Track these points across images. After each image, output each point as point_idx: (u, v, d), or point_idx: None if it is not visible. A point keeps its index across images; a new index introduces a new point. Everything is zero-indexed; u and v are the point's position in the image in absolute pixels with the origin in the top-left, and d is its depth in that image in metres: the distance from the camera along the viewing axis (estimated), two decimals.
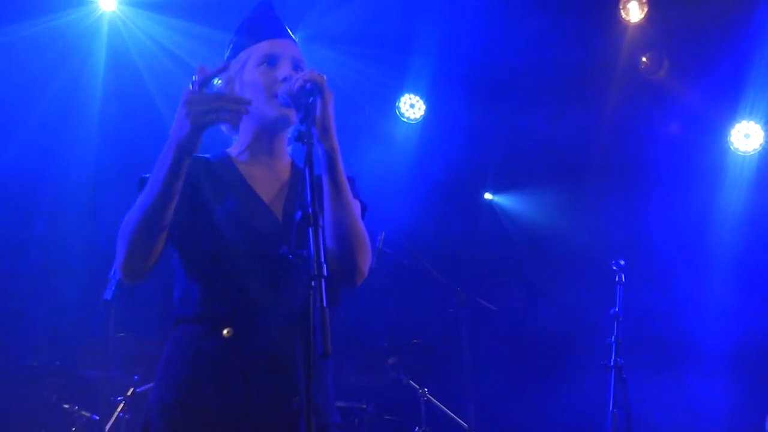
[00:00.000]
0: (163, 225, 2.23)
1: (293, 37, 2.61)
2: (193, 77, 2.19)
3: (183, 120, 2.15)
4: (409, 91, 7.15)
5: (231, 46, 2.58)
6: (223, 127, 2.60)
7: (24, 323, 6.17)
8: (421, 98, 7.16)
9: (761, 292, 6.62)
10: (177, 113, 2.17)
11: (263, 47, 2.50)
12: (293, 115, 2.42)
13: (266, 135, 2.52)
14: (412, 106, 7.19)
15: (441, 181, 7.29)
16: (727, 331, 6.62)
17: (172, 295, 2.42)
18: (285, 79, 2.41)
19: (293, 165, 2.58)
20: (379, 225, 5.77)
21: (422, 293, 6.65)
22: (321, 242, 1.99)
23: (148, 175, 2.30)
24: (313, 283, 1.95)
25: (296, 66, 2.49)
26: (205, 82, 2.20)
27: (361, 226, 2.39)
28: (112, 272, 5.08)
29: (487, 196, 7.90)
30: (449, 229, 7.36)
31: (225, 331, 2.29)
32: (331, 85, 2.31)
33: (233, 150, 2.56)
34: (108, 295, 5.02)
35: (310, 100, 2.23)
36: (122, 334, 5.65)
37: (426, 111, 7.17)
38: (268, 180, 2.50)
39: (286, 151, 2.58)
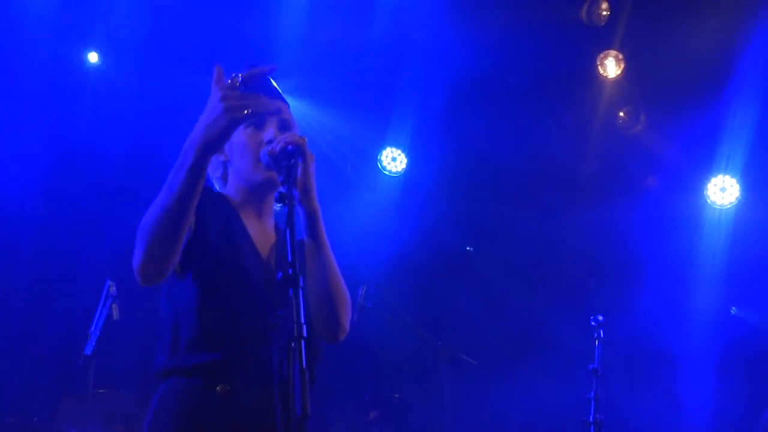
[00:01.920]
0: (184, 224, 2.19)
1: (283, 96, 2.65)
2: (234, 75, 2.18)
3: (220, 114, 2.12)
4: (390, 145, 7.22)
5: None
6: (214, 182, 2.63)
7: (2, 378, 6.11)
8: (402, 152, 7.22)
9: (741, 346, 6.67)
10: (210, 109, 2.15)
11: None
12: (277, 178, 2.44)
13: (254, 197, 2.55)
14: (393, 160, 7.24)
15: (423, 234, 7.32)
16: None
17: (161, 345, 2.40)
18: (269, 141, 2.44)
19: (277, 227, 2.61)
20: (361, 279, 5.80)
21: (403, 348, 6.64)
22: (301, 303, 2.01)
23: None
24: (293, 344, 1.97)
25: (283, 127, 2.52)
26: (244, 80, 2.19)
27: (342, 284, 2.44)
28: (93, 327, 5.06)
29: (469, 249, 7.93)
30: (431, 283, 7.37)
31: (219, 387, 2.29)
32: (313, 143, 2.35)
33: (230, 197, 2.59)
34: (88, 350, 5.00)
35: (292, 161, 2.26)
36: (102, 390, 5.61)
37: (408, 164, 7.23)
38: (262, 237, 2.53)
39: (272, 213, 2.61)
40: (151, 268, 2.21)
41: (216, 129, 2.14)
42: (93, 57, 6.13)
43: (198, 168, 2.15)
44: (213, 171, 2.61)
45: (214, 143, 2.16)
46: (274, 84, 2.66)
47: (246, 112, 2.13)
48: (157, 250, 2.18)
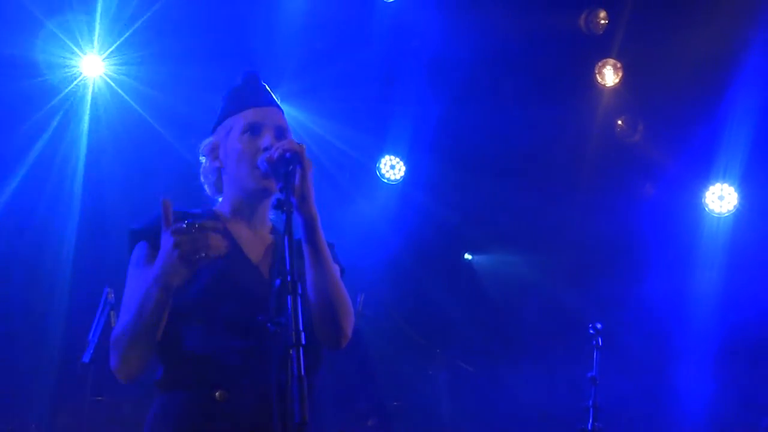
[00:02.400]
0: (153, 339, 2.29)
1: (279, 104, 2.65)
2: (187, 222, 2.21)
3: (176, 261, 2.18)
4: (389, 153, 7.23)
5: (218, 112, 2.63)
6: (207, 188, 2.63)
7: (0, 386, 6.10)
8: (401, 159, 7.23)
9: (740, 356, 6.68)
10: (167, 252, 2.19)
11: (247, 116, 2.53)
12: (273, 185, 2.44)
13: (248, 204, 2.54)
14: (392, 167, 7.25)
15: (421, 241, 7.33)
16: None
17: (157, 357, 2.41)
18: (266, 148, 2.45)
19: (273, 230, 2.61)
20: (359, 287, 5.79)
21: (402, 355, 6.64)
22: (299, 310, 2.01)
23: (136, 229, 2.39)
24: (291, 352, 1.96)
25: (279, 134, 2.52)
26: (177, 220, 2.23)
27: (342, 290, 2.42)
28: (91, 335, 5.06)
29: (467, 256, 7.94)
30: (429, 291, 7.37)
31: (217, 394, 2.30)
32: (312, 151, 2.36)
33: (219, 209, 2.59)
34: (86, 358, 4.99)
35: (290, 168, 2.26)
36: (100, 398, 5.60)
37: (406, 172, 7.23)
38: (254, 242, 2.53)
39: (267, 219, 2.61)
40: (128, 371, 2.32)
41: (175, 272, 2.20)
42: (92, 64, 6.13)
43: (163, 300, 2.23)
44: (207, 177, 2.62)
45: (177, 283, 2.22)
46: (269, 90, 2.67)
47: (200, 256, 2.18)
48: (132, 360, 2.30)
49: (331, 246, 2.50)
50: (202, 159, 2.61)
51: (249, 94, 2.60)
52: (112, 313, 5.14)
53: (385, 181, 7.26)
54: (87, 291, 5.68)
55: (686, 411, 6.72)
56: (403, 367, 6.74)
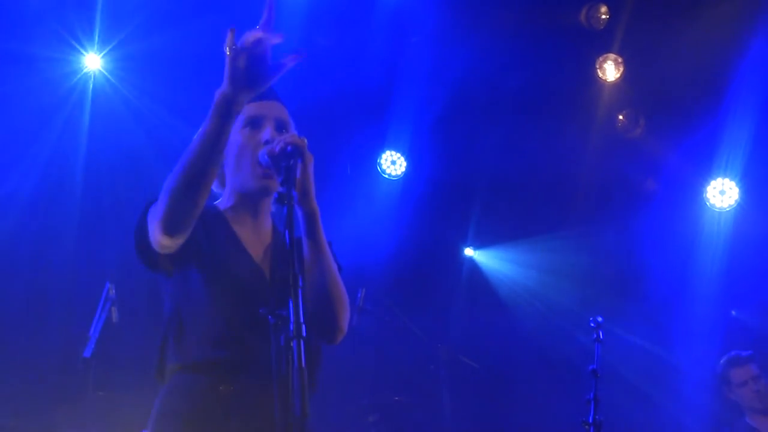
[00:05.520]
0: (208, 180, 2.22)
1: (280, 98, 2.66)
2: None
3: (239, 73, 2.16)
4: (390, 148, 7.22)
5: None
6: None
7: (1, 381, 6.10)
8: (402, 155, 7.23)
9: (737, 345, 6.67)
10: (229, 71, 2.17)
11: (248, 109, 2.53)
12: (274, 184, 2.45)
13: (250, 201, 2.56)
14: (393, 163, 7.24)
15: (422, 237, 7.33)
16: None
17: (163, 341, 2.42)
18: (266, 142, 2.45)
19: (274, 228, 2.62)
20: (360, 282, 5.80)
21: (403, 350, 6.64)
22: (300, 303, 2.02)
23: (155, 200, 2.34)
24: (292, 344, 1.97)
25: (280, 127, 2.53)
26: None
27: (340, 285, 2.45)
28: (92, 330, 5.06)
29: (468, 252, 7.93)
30: (430, 286, 7.37)
31: (222, 387, 2.32)
32: (312, 146, 2.36)
33: (221, 205, 2.60)
34: (87, 353, 4.99)
35: (291, 162, 2.27)
36: (101, 393, 5.60)
37: (407, 167, 7.23)
38: (256, 241, 2.55)
39: (268, 215, 2.62)
40: (173, 221, 2.22)
41: (238, 88, 2.17)
42: (93, 60, 6.14)
43: (224, 129, 2.18)
44: None
45: (240, 102, 2.19)
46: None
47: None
48: (180, 205, 2.20)
49: (329, 244, 2.51)
50: None
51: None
52: (113, 308, 5.15)
53: (386, 176, 7.25)
54: (88, 286, 5.69)
55: (687, 407, 6.72)
56: (405, 363, 6.74)
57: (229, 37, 2.17)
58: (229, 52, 2.16)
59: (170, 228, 2.24)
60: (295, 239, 2.13)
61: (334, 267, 2.44)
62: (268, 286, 2.43)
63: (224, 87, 2.17)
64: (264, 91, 2.61)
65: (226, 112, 2.18)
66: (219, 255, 2.42)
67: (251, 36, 2.19)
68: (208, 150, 2.19)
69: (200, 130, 2.20)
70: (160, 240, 2.27)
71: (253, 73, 2.17)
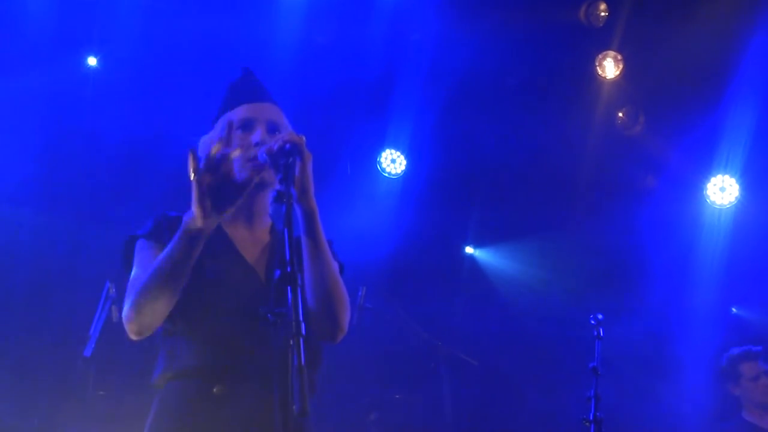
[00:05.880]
0: (172, 295, 2.29)
1: (273, 99, 2.66)
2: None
3: (205, 196, 2.21)
4: (390, 147, 7.21)
5: (217, 108, 2.64)
6: None
7: (1, 380, 6.11)
8: (402, 153, 7.22)
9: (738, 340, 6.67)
10: (195, 197, 2.23)
11: (239, 112, 2.56)
12: (268, 176, 2.45)
13: (244, 202, 2.55)
14: (393, 161, 7.24)
15: (422, 235, 7.32)
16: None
17: (160, 353, 2.44)
18: (257, 144, 2.46)
19: (272, 227, 2.62)
20: (361, 280, 5.80)
21: (404, 348, 6.64)
22: (300, 301, 2.02)
23: (138, 234, 2.41)
24: (291, 342, 1.97)
25: (271, 129, 2.54)
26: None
27: (340, 284, 2.45)
28: (92, 329, 5.06)
29: (468, 250, 7.93)
30: (430, 284, 7.37)
31: (215, 389, 2.32)
32: (311, 144, 2.36)
33: None
34: (87, 352, 5.00)
35: (290, 160, 2.27)
36: (101, 392, 5.61)
37: (407, 166, 7.22)
38: (250, 242, 2.55)
39: (266, 213, 2.62)
40: (139, 321, 2.31)
41: (205, 212, 2.22)
42: (92, 60, 6.15)
43: (192, 247, 2.25)
44: None
45: (208, 227, 2.25)
46: (263, 86, 2.67)
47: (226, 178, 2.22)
48: (146, 306, 2.28)
49: (329, 243, 2.51)
50: (202, 155, 2.62)
51: (243, 90, 2.63)
52: (113, 307, 5.15)
53: (386, 175, 7.25)
54: (88, 285, 5.69)
55: (688, 403, 6.73)
56: (405, 361, 6.74)
57: (191, 161, 2.21)
58: (194, 175, 2.20)
59: (139, 331, 2.33)
60: (294, 238, 2.13)
61: (333, 266, 2.43)
62: (263, 287, 2.43)
63: (192, 213, 2.22)
64: (257, 93, 2.63)
65: (195, 238, 2.24)
66: (210, 260, 2.43)
67: (213, 153, 2.20)
68: (174, 271, 2.26)
69: (168, 249, 2.26)
70: (132, 331, 2.36)
71: (220, 193, 2.21)
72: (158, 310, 2.29)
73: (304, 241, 2.39)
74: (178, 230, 2.25)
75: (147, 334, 2.35)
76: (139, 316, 2.29)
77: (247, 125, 2.54)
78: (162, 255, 2.27)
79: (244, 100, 2.59)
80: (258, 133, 2.50)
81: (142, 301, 2.27)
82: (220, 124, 2.58)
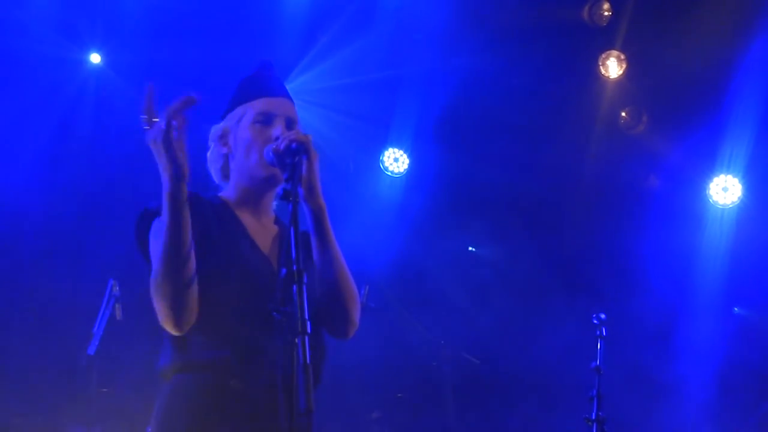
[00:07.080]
0: (188, 269, 2.22)
1: (290, 96, 2.66)
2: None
3: (161, 149, 2.20)
4: (393, 145, 7.22)
5: (230, 98, 2.63)
6: (212, 174, 2.64)
7: (5, 378, 6.12)
8: (405, 152, 7.22)
9: (740, 341, 6.68)
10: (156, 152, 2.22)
11: (259, 105, 2.54)
12: (280, 173, 2.45)
13: (255, 193, 2.56)
14: (396, 160, 7.23)
15: (425, 234, 7.32)
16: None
17: (167, 342, 2.40)
18: (276, 138, 2.45)
19: (277, 220, 2.63)
20: (364, 279, 5.80)
21: (407, 347, 6.65)
22: (305, 299, 2.03)
23: (151, 209, 2.36)
24: (296, 340, 1.98)
25: (289, 126, 2.53)
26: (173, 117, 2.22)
27: (350, 279, 2.47)
28: (96, 327, 5.08)
29: (471, 249, 7.93)
30: (433, 283, 7.37)
31: (232, 382, 2.30)
32: (316, 142, 2.37)
33: (225, 196, 2.59)
34: (91, 350, 5.01)
35: (296, 159, 2.28)
36: (105, 390, 5.62)
37: (410, 165, 7.22)
38: (261, 232, 2.54)
39: (270, 209, 2.62)
40: (176, 320, 2.24)
41: (169, 165, 2.19)
42: (95, 57, 6.16)
43: (178, 214, 2.18)
44: (213, 163, 2.62)
45: (176, 184, 2.19)
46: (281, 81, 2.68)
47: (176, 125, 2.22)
48: (173, 304, 2.22)
49: None
50: (210, 144, 2.62)
51: (262, 84, 2.61)
52: (117, 305, 5.17)
53: (389, 173, 7.25)
54: (92, 283, 5.71)
55: (689, 401, 6.74)
56: (408, 360, 6.75)
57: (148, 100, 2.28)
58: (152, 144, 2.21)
59: (180, 327, 2.27)
60: (301, 234, 2.14)
61: (343, 261, 2.45)
62: (275, 277, 2.42)
63: (163, 182, 2.19)
64: (276, 87, 2.62)
65: (174, 205, 2.18)
66: (228, 245, 2.41)
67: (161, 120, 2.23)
68: (175, 241, 2.19)
69: (163, 224, 2.20)
70: (174, 331, 2.30)
71: (178, 159, 2.17)
72: (184, 296, 2.22)
73: (313, 238, 2.40)
74: (163, 200, 2.19)
75: (190, 325, 2.29)
76: (176, 319, 2.24)
77: (266, 119, 2.52)
78: (161, 234, 2.20)
79: (263, 94, 2.57)
80: (278, 129, 2.49)
81: (165, 291, 2.21)
82: (235, 116, 2.57)
